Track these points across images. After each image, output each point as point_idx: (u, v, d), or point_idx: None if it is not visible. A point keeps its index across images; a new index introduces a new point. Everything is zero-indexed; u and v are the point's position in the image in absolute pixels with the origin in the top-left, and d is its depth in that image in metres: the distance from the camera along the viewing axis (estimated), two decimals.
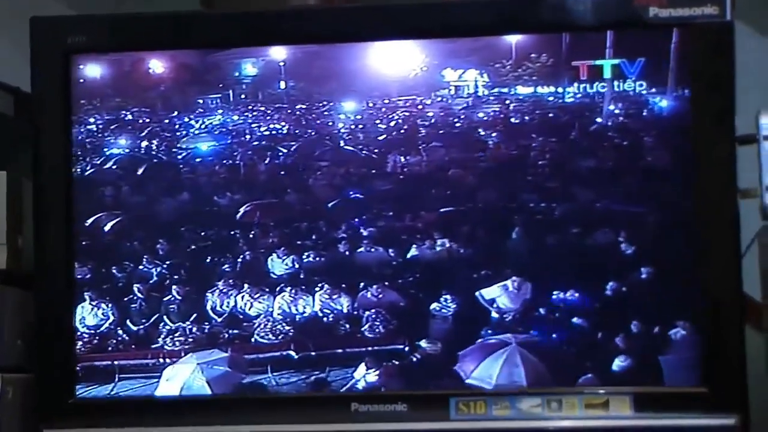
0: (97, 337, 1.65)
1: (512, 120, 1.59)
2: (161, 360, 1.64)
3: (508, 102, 1.59)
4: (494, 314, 1.59)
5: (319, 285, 1.63)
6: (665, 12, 1.54)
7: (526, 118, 1.59)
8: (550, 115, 1.59)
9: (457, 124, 1.61)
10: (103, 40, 1.64)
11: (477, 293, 1.60)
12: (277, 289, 1.64)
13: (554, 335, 1.58)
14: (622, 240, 1.56)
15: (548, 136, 1.59)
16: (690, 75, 1.54)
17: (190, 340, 1.64)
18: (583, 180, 1.57)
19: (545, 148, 1.59)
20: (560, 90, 1.58)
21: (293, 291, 1.63)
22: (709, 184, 1.53)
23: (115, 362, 1.64)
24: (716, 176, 1.53)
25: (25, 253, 1.68)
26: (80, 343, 1.64)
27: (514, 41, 1.58)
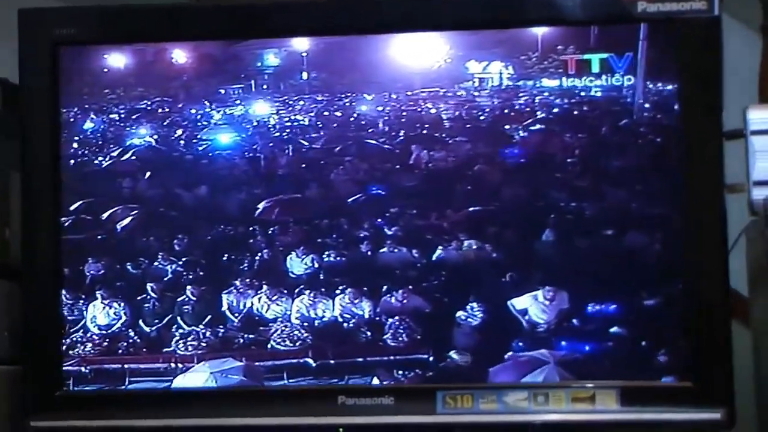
0: (107, 339, 1.63)
1: (538, 114, 1.57)
2: (173, 365, 1.62)
3: (533, 95, 1.57)
4: (526, 326, 1.56)
5: (340, 287, 1.60)
6: (653, 6, 1.54)
7: (553, 111, 1.57)
8: (577, 109, 1.57)
9: (482, 118, 1.58)
10: (92, 31, 1.64)
11: (508, 303, 1.57)
12: (296, 291, 1.60)
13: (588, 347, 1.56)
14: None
15: (573, 131, 1.57)
16: (678, 70, 1.54)
17: (204, 344, 1.62)
18: (596, 177, 1.57)
19: (572, 143, 1.57)
20: (587, 83, 1.56)
21: (312, 294, 1.60)
22: (696, 179, 1.53)
23: (126, 365, 1.62)
24: (704, 171, 1.53)
25: (13, 245, 1.68)
26: (90, 344, 1.63)
27: (540, 33, 1.57)
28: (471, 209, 1.58)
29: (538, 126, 1.58)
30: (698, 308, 1.53)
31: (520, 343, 1.57)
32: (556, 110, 1.57)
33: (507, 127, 1.58)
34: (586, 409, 1.54)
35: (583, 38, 1.57)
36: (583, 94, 1.57)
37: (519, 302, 1.57)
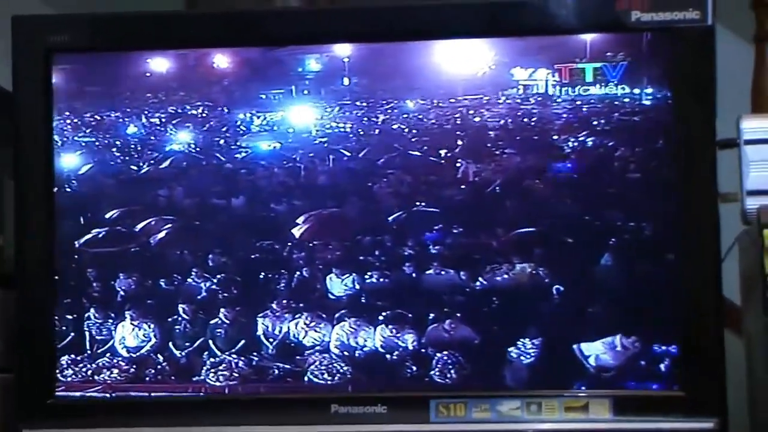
0: (134, 364, 1.59)
1: (586, 123, 1.54)
2: (202, 393, 1.59)
3: (580, 103, 1.54)
4: (591, 369, 1.53)
5: (383, 314, 1.53)
6: (647, 16, 1.54)
7: (601, 121, 1.54)
8: (627, 118, 1.54)
9: (529, 128, 1.54)
10: (86, 39, 1.63)
11: (575, 347, 1.53)
12: (336, 316, 1.54)
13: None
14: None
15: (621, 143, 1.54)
16: (671, 79, 1.54)
17: (236, 374, 1.57)
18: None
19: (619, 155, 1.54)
20: (636, 91, 1.54)
21: (354, 320, 1.54)
22: (689, 188, 1.53)
23: (153, 394, 1.59)
24: (697, 180, 1.53)
25: (8, 252, 1.68)
26: (116, 370, 1.60)
27: (588, 39, 1.55)
28: (524, 230, 1.53)
29: (584, 137, 1.54)
30: (691, 317, 1.53)
31: (583, 387, 1.54)
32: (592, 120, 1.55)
33: (556, 137, 1.55)
34: (579, 418, 1.54)
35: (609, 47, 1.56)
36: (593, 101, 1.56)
37: (589, 348, 1.53)
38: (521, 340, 1.54)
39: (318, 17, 1.64)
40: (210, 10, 1.88)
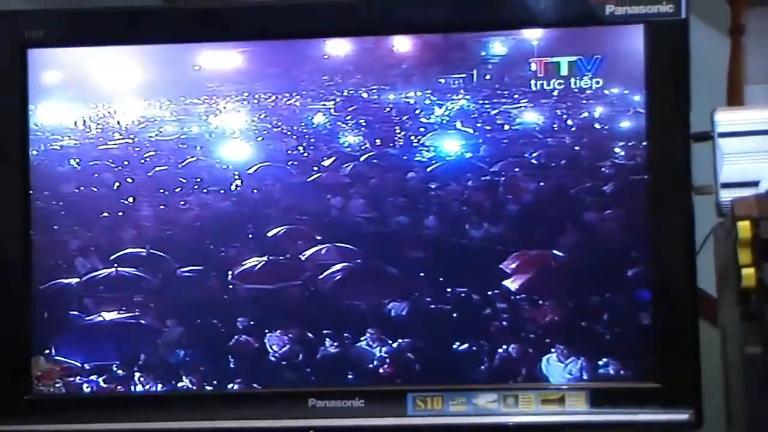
0: None
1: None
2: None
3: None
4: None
5: None
6: (621, 9, 1.55)
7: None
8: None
9: None
10: (60, 34, 1.63)
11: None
12: None
13: None
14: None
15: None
16: (646, 72, 1.54)
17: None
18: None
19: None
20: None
21: None
22: (663, 181, 1.54)
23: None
24: (671, 173, 1.54)
25: None
26: None
27: None
28: None
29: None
30: (666, 309, 1.54)
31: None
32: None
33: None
34: (555, 411, 1.54)
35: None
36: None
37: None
38: None
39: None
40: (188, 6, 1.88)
